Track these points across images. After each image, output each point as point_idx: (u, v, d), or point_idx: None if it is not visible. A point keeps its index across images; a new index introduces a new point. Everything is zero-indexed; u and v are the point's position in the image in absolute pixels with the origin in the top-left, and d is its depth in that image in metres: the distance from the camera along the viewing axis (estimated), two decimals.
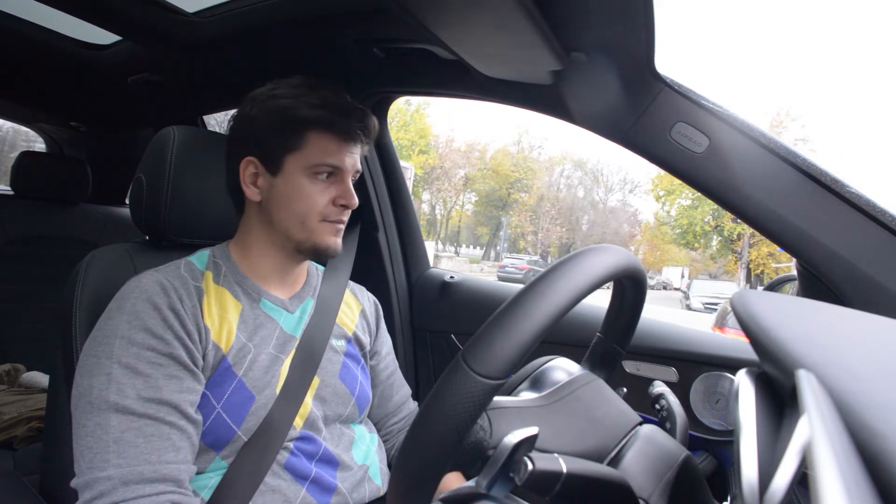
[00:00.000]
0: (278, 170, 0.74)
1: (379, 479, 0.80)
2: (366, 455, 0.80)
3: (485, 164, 31.45)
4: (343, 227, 0.79)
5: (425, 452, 0.38)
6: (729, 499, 0.47)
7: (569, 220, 33.10)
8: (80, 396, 0.62)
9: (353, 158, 0.77)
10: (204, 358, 0.68)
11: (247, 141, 0.76)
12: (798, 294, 0.83)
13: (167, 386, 0.63)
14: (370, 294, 0.98)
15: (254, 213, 0.78)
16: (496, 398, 0.46)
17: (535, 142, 35.08)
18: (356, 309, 0.91)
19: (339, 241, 0.79)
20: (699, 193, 0.82)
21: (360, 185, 1.30)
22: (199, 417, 0.65)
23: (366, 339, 0.89)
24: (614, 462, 0.48)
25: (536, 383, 0.55)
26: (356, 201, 0.77)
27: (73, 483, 0.59)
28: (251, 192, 0.76)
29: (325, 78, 0.78)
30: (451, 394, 0.37)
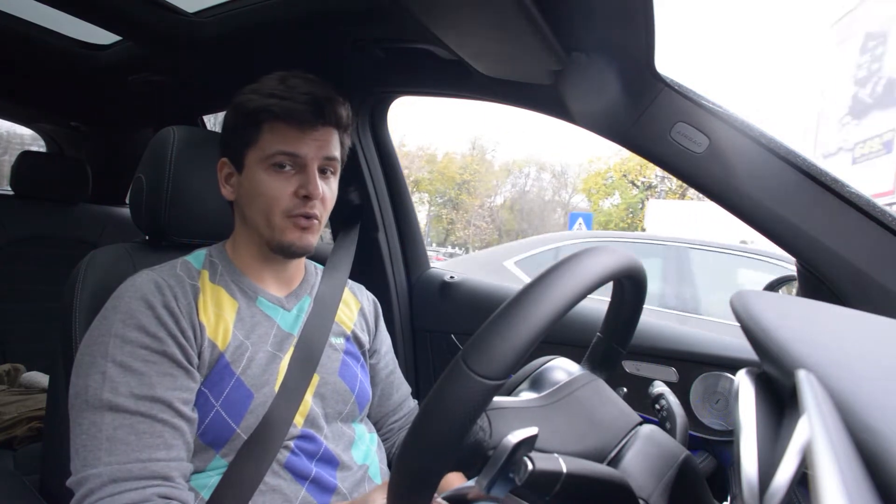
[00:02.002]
0: (242, 166, 0.75)
1: (379, 479, 0.80)
2: (365, 455, 0.80)
3: (434, 167, 31.57)
4: (314, 222, 0.74)
5: (425, 453, 0.38)
6: (729, 499, 0.47)
7: (522, 219, 33.03)
8: (76, 395, 0.63)
9: (318, 146, 0.73)
10: (200, 356, 0.68)
11: (221, 142, 0.78)
12: (798, 294, 0.83)
13: (161, 383, 0.63)
14: (369, 293, 0.98)
15: (235, 212, 0.79)
16: (496, 398, 0.46)
17: (489, 146, 35.23)
18: (355, 307, 0.91)
19: (310, 237, 0.74)
20: (628, 195, 0.82)
21: (360, 185, 1.30)
22: (193, 415, 0.65)
23: (365, 338, 0.89)
24: (614, 462, 0.48)
25: (536, 383, 0.55)
26: (319, 191, 0.72)
27: (69, 482, 0.60)
28: (226, 192, 0.78)
29: (301, 70, 0.75)
30: (451, 394, 0.37)
